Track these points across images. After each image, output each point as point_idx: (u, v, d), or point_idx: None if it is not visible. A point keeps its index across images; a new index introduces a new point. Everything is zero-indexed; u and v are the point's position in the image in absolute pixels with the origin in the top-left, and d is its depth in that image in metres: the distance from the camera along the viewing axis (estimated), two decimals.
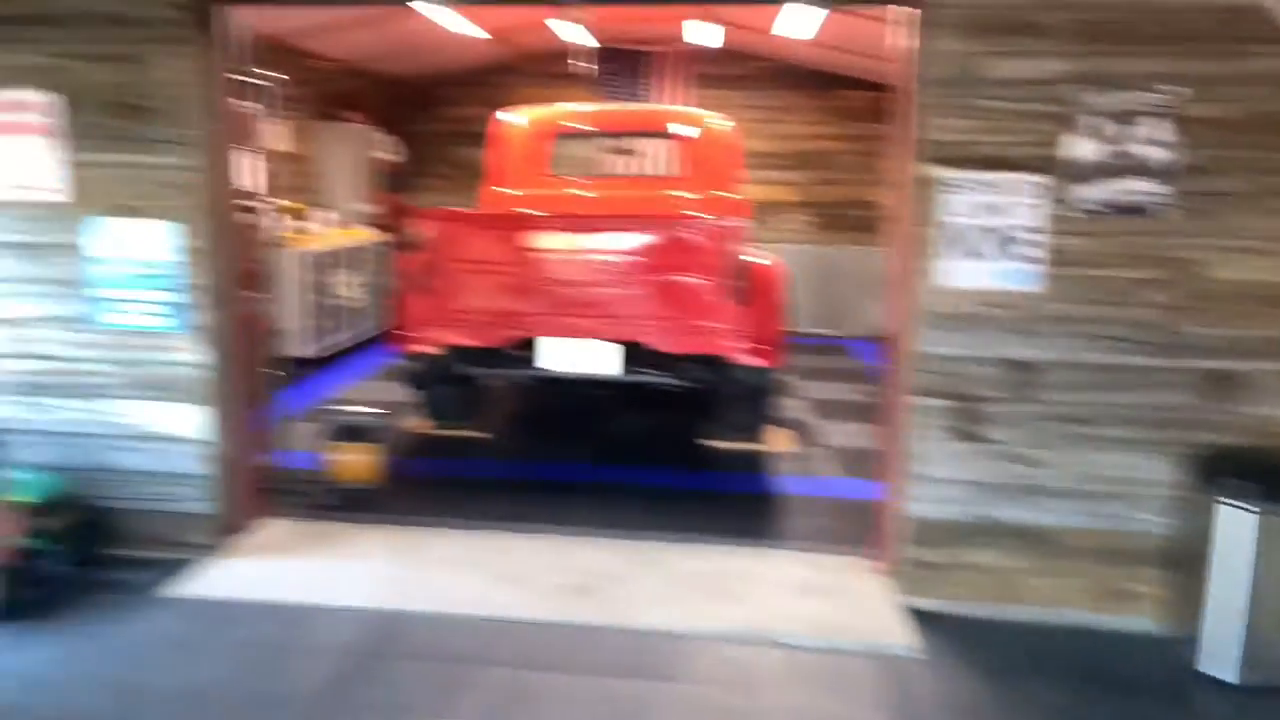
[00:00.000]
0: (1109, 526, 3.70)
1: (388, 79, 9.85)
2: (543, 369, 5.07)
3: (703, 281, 4.91)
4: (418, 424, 6.09)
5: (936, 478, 3.77)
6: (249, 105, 4.23)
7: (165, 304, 3.95)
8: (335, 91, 8.99)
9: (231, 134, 4.07)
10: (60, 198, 3.92)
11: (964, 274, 3.62)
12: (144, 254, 3.92)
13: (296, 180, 8.33)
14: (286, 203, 7.46)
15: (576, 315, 5.02)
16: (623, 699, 3.12)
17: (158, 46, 3.77)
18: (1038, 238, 3.56)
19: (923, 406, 3.74)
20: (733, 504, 5.00)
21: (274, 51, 4.70)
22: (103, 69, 3.81)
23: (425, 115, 10.25)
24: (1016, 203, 3.55)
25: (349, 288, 8.10)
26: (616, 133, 7.42)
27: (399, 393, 6.13)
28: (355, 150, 8.96)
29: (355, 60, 9.00)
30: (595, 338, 5.02)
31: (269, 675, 3.20)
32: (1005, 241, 3.59)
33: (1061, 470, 3.70)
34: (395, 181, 9.87)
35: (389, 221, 9.52)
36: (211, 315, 3.99)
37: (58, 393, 4.04)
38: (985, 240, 3.59)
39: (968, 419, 3.72)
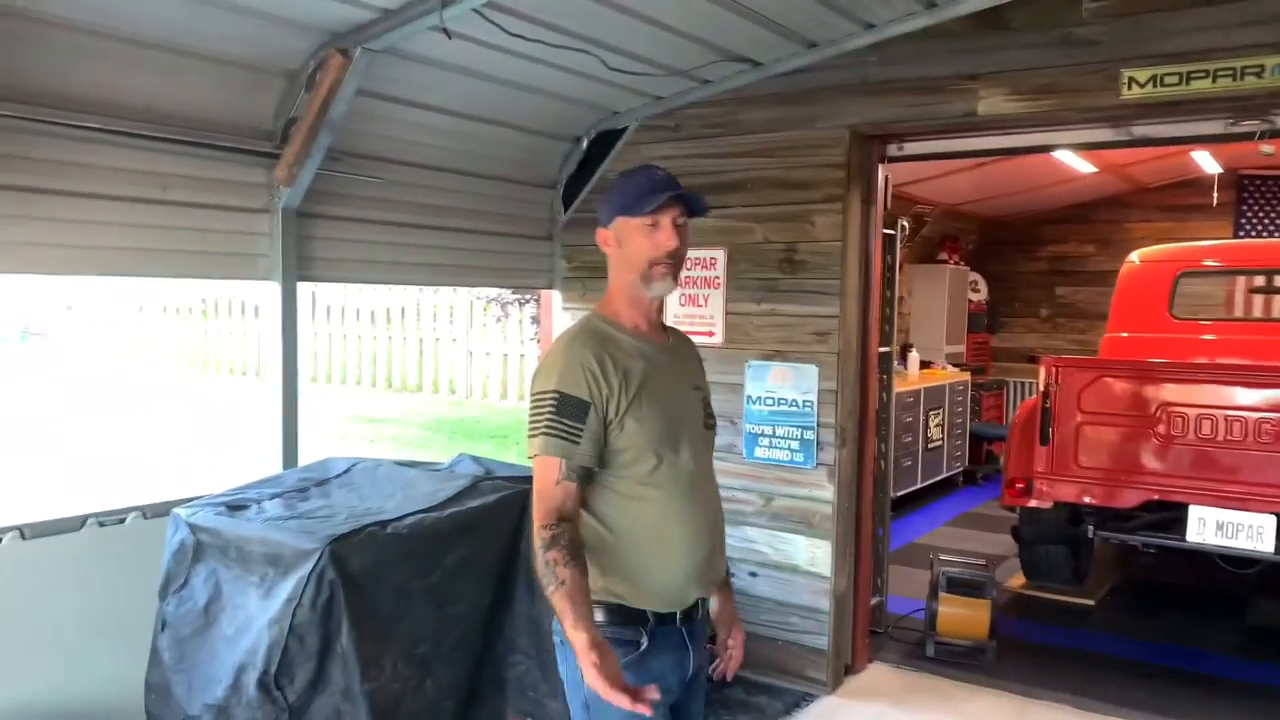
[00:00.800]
0: None
1: (983, 219, 9.85)
2: (1177, 537, 4.48)
3: None
4: (1015, 581, 5.73)
5: None
6: (885, 255, 4.46)
7: (800, 441, 4.22)
8: (932, 235, 9.20)
9: (870, 283, 4.29)
10: (718, 340, 4.44)
11: None
12: (785, 394, 4.25)
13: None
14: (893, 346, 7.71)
15: (1224, 479, 4.38)
16: None
17: (820, 205, 4.15)
18: None
19: None
20: None
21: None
22: (767, 228, 4.28)
23: (1021, 253, 9.96)
24: None
25: (929, 428, 8.06)
26: (1262, 270, 6.49)
27: (986, 542, 5.85)
28: (947, 290, 9.03)
29: (952, 203, 9.15)
30: (1246, 508, 4.32)
31: None
32: None
33: None
34: (985, 320, 9.73)
35: (976, 362, 9.39)
36: (837, 454, 4.17)
37: None
38: None
39: None
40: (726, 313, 4.42)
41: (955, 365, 8.88)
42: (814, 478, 4.20)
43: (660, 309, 2.14)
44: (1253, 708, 4.10)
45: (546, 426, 1.90)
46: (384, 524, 2.71)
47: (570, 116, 4.56)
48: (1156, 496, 4.51)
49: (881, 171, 4.34)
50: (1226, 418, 4.34)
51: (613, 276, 2.08)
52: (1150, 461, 4.51)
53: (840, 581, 4.22)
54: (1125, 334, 5.99)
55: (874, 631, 4.62)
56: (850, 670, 4.34)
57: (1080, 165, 7.57)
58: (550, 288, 5.03)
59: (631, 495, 1.96)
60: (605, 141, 4.76)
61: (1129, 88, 3.50)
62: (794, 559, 4.25)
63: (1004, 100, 3.77)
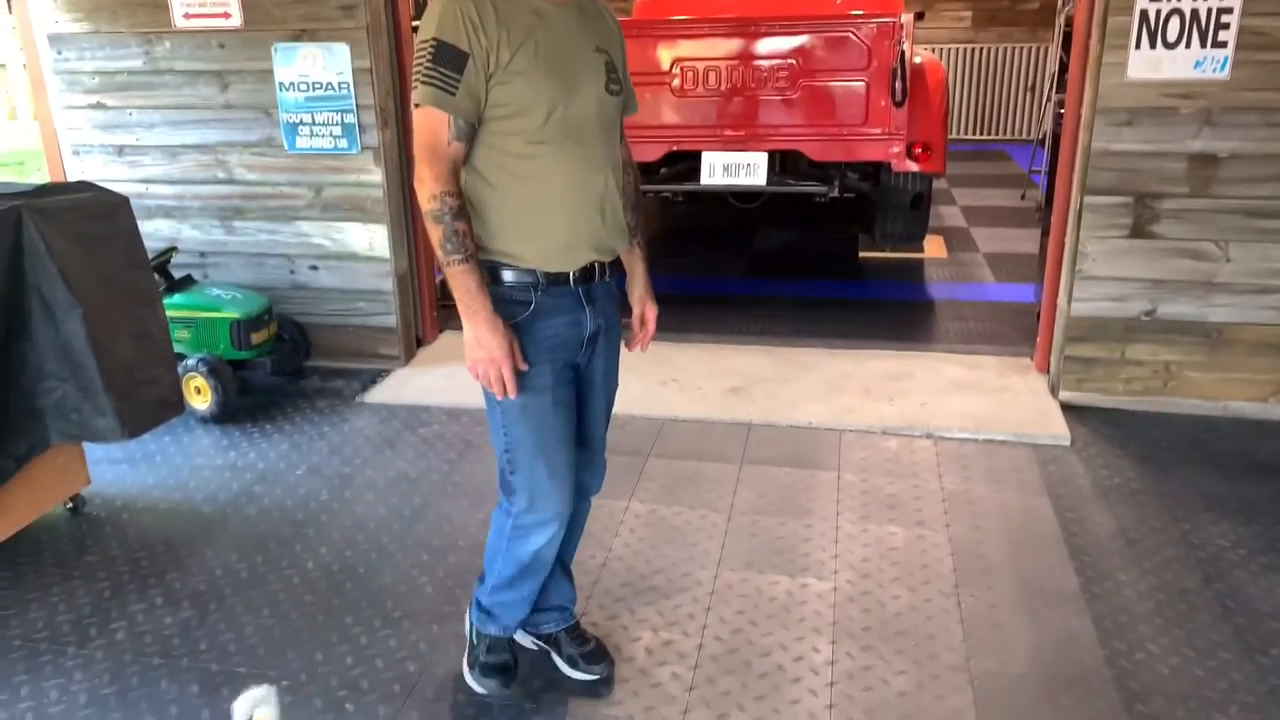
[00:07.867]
0: None
1: None
2: (692, 183, 5.12)
3: (859, 84, 4.79)
4: None
5: (1102, 275, 3.73)
6: None
7: (341, 126, 4.15)
8: None
9: None
10: (236, 22, 4.10)
11: (1149, 64, 3.44)
12: (318, 77, 4.10)
13: None
14: None
15: (728, 125, 4.99)
16: (783, 483, 3.32)
17: None
18: (1228, 19, 3.32)
19: (1094, 205, 3.65)
20: (886, 311, 5.03)
21: None
22: None
23: None
24: None
25: None
26: None
27: None
28: None
29: None
30: (749, 149, 5.00)
31: (459, 466, 3.54)
32: (1193, 26, 3.37)
33: (1238, 265, 3.60)
34: None
35: None
36: (381, 136, 4.16)
37: (251, 216, 4.36)
38: (1172, 26, 3.38)
39: (1142, 216, 3.62)
40: None
41: None
42: (360, 162, 4.19)
43: None
44: (751, 314, 5.02)
45: (424, 75, 1.84)
46: None
47: None
48: (675, 148, 5.06)
49: None
50: (727, 68, 4.87)
51: None
52: (669, 116, 5.00)
53: (401, 262, 4.38)
54: None
55: (444, 305, 4.89)
56: (421, 343, 4.63)
57: None
58: None
59: (519, 153, 1.92)
60: None
61: None
62: (352, 246, 4.32)
63: None
